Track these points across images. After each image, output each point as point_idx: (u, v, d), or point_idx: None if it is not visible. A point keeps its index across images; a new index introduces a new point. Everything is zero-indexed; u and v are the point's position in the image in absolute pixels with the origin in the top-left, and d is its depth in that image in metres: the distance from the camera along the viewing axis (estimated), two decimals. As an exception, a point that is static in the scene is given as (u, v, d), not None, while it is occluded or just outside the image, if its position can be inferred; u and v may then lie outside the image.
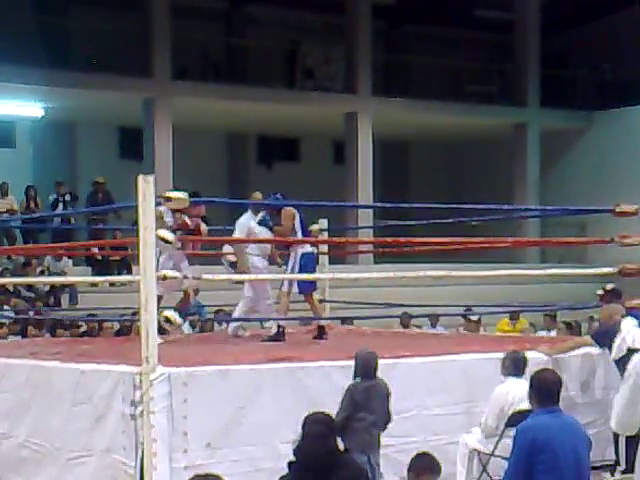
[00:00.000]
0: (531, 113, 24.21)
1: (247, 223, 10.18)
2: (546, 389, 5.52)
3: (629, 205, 8.59)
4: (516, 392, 7.25)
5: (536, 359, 8.12)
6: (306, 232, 9.98)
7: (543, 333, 14.32)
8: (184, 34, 20.19)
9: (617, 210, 8.48)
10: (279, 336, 9.68)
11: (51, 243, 17.00)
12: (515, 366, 7.53)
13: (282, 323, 9.85)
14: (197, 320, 13.57)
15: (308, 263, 9.71)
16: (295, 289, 9.78)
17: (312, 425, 5.29)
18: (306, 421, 5.36)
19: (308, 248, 9.80)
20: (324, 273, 11.53)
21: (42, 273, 16.00)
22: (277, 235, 9.93)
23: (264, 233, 10.04)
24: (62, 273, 16.16)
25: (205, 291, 13.88)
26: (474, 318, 14.28)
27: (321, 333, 10.07)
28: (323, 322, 10.29)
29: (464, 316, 14.29)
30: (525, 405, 6.45)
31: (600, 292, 12.00)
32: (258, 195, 10.69)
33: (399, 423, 7.52)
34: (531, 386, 5.60)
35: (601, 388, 8.53)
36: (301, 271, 9.58)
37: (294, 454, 5.29)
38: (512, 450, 5.44)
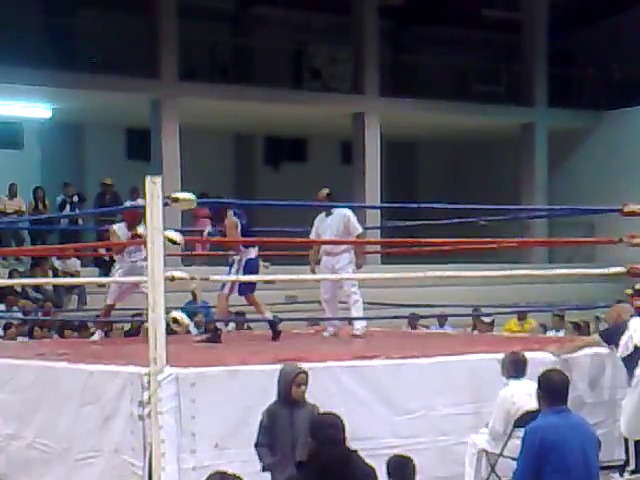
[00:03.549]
0: (539, 113, 24.18)
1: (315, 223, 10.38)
2: (554, 389, 5.52)
3: (637, 205, 8.56)
4: (520, 394, 7.23)
5: (544, 359, 8.11)
6: (249, 236, 9.89)
7: (551, 333, 14.30)
8: (191, 35, 20.22)
9: (625, 210, 8.45)
10: (216, 338, 9.66)
11: (59, 244, 17.03)
12: (515, 368, 7.52)
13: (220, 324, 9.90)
14: (202, 320, 13.57)
15: (252, 269, 9.67)
16: (235, 291, 9.75)
17: (325, 429, 5.27)
18: (317, 424, 5.34)
19: (253, 254, 9.75)
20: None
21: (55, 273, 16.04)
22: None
23: (327, 234, 10.14)
24: (76, 274, 16.19)
25: (213, 291, 13.88)
26: (487, 320, 14.24)
27: (276, 333, 9.93)
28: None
29: (477, 317, 14.25)
30: (531, 406, 6.44)
31: (629, 291, 11.98)
32: (324, 193, 10.53)
33: (407, 424, 7.52)
34: (539, 387, 5.60)
35: (610, 388, 8.50)
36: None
37: (308, 458, 5.27)
38: (521, 450, 5.44)
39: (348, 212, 10.33)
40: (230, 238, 9.75)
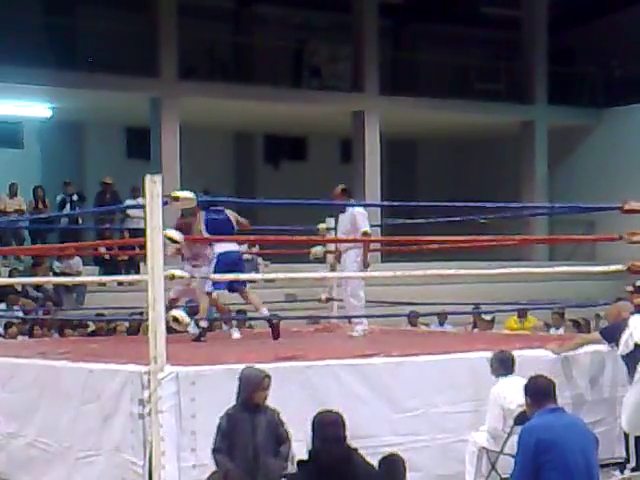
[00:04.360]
0: (539, 110, 24.18)
1: None
2: (542, 390, 5.58)
3: (637, 202, 8.56)
4: (510, 390, 7.25)
5: (544, 357, 8.11)
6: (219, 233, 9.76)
7: (551, 331, 14.30)
8: (191, 33, 20.22)
9: (625, 207, 8.46)
10: (201, 337, 9.65)
11: (59, 243, 17.03)
12: (503, 366, 7.53)
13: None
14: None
15: (217, 263, 9.61)
16: (210, 287, 9.72)
17: (326, 427, 5.25)
18: (318, 422, 5.32)
19: (224, 248, 9.66)
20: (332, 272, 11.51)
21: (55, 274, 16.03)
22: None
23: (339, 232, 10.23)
24: (77, 274, 16.18)
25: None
26: (487, 317, 14.23)
27: (275, 332, 9.83)
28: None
29: (478, 314, 14.24)
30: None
31: (630, 288, 11.98)
32: (339, 189, 10.44)
33: (407, 422, 7.52)
34: (526, 393, 5.64)
35: (610, 385, 8.51)
36: (214, 272, 9.52)
37: (309, 456, 5.26)
38: (517, 451, 5.45)
39: (357, 210, 10.23)
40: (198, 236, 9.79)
